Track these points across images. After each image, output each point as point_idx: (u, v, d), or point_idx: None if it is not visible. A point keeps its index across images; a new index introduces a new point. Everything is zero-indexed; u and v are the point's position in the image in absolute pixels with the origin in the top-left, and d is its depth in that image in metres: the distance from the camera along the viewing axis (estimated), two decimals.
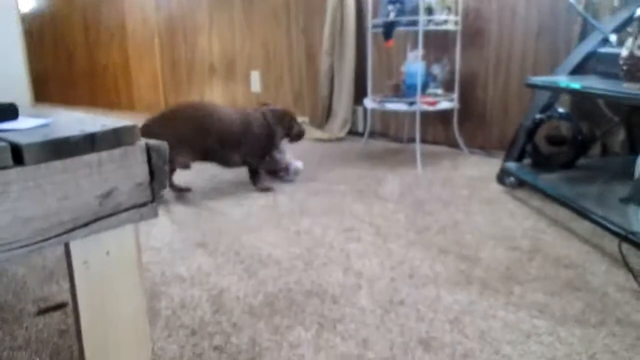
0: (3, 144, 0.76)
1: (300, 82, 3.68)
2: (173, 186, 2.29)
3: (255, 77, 3.93)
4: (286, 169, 2.38)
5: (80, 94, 5.61)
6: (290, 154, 2.43)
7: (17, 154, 0.77)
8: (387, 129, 3.29)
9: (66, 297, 1.35)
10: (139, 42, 4.81)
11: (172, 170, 2.23)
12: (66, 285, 1.42)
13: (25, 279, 1.47)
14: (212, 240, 1.72)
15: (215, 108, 2.21)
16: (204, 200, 2.07)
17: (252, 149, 2.25)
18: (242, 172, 2.45)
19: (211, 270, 1.50)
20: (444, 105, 2.64)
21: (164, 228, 1.84)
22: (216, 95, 4.27)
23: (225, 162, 2.25)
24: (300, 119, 3.65)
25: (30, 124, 0.91)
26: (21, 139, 0.79)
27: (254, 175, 2.32)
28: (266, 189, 2.27)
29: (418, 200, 2.09)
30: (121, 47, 5.00)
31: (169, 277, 1.46)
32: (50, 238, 0.80)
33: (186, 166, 2.14)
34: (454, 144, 2.94)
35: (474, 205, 2.01)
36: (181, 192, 2.26)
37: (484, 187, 2.24)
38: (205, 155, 2.19)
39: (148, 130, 2.06)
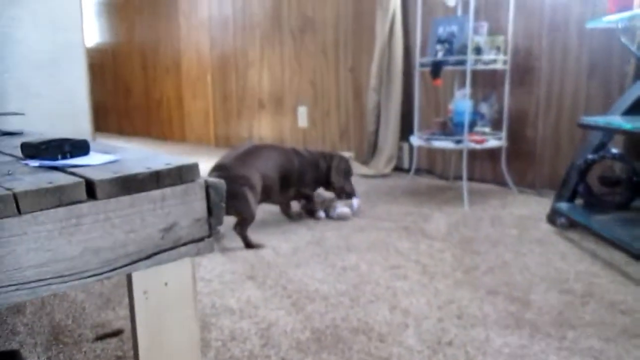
0: (78, 179, 0.82)
1: (346, 118, 3.73)
2: (250, 244, 2.03)
3: (302, 112, 4.01)
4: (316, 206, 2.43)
5: (136, 125, 5.85)
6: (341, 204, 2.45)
7: (90, 189, 0.83)
8: (433, 166, 3.29)
9: (122, 324, 1.40)
10: (192, 78, 5.01)
11: (251, 220, 2.04)
12: (122, 312, 1.47)
13: (84, 304, 1.53)
14: (260, 274, 1.75)
15: (282, 149, 2.28)
16: (252, 235, 2.10)
17: (306, 180, 2.32)
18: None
19: (260, 303, 1.52)
20: (492, 143, 2.62)
21: (214, 259, 1.89)
22: (264, 130, 4.37)
23: (283, 199, 2.33)
24: (346, 154, 3.69)
25: (100, 160, 0.97)
26: (93, 175, 0.85)
27: (308, 203, 2.40)
28: (299, 216, 2.40)
29: (465, 239, 2.07)
30: (175, 82, 5.21)
31: (219, 308, 1.49)
32: (116, 268, 0.84)
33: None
34: (502, 182, 2.90)
35: (523, 245, 1.98)
36: (257, 248, 2.03)
37: (534, 226, 2.20)
38: (269, 196, 2.20)
39: (228, 171, 2.01)
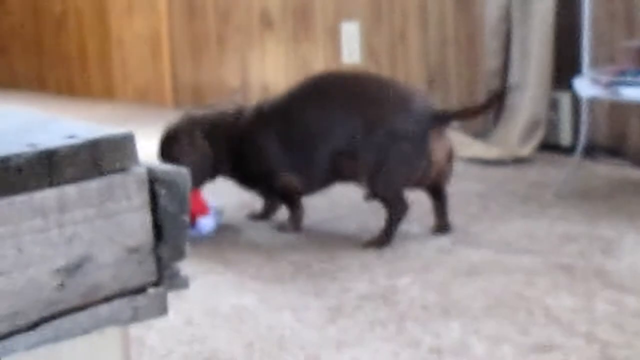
0: None
1: (441, 45, 3.72)
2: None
3: (350, 34, 4.01)
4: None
5: (15, 66, 5.93)
6: None
7: None
8: (623, 142, 3.26)
9: None
10: None
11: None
12: None
13: None
14: None
15: None
16: (251, 280, 2.11)
17: None
18: (333, 229, 2.50)
19: None
20: None
21: (169, 329, 1.89)
22: (272, 70, 4.38)
23: None
24: None
25: None
26: None
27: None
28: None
29: None
30: None
31: None
32: None
33: None
34: None
35: None
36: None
37: None
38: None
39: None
